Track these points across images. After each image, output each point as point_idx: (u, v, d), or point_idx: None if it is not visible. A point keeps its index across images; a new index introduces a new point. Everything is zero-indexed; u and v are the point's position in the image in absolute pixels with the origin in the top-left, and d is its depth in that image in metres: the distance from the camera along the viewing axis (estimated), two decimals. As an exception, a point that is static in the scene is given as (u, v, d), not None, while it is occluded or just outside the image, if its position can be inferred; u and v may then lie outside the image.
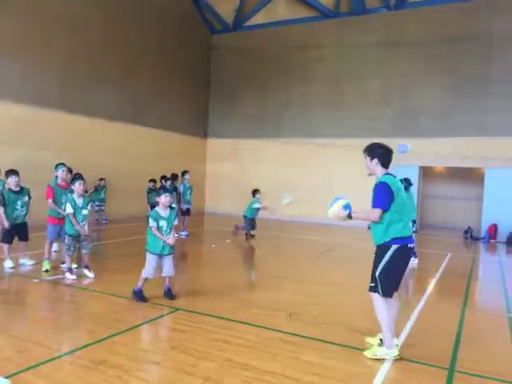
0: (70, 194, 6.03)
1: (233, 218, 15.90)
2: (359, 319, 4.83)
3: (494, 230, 13.05)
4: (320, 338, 4.18)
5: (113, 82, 13.71)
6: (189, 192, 11.00)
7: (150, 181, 13.03)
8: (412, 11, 14.67)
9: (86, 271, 6.06)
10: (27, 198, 6.61)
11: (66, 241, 6.00)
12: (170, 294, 5.26)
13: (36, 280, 5.97)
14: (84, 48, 12.76)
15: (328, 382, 3.29)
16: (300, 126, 16.47)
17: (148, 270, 5.12)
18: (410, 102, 14.67)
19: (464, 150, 13.69)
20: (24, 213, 6.58)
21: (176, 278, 6.91)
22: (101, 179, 12.89)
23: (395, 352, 3.73)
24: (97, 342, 3.87)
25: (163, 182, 11.30)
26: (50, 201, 6.47)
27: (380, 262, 3.71)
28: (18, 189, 6.50)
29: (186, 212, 11.00)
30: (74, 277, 5.98)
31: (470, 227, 13.55)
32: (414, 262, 8.19)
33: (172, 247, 5.21)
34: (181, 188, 10.90)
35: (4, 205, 6.35)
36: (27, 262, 6.63)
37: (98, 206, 12.77)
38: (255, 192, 11.24)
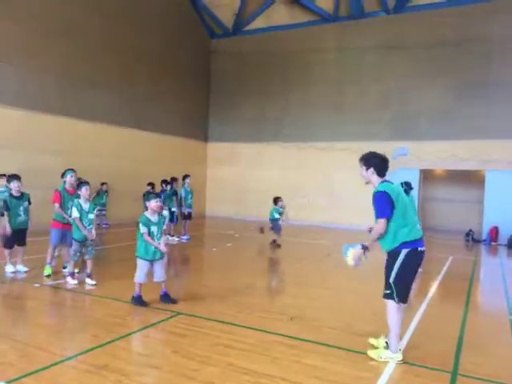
0: (76, 199, 6.07)
1: (233, 221, 15.90)
2: (361, 323, 4.82)
3: (495, 232, 13.03)
4: (322, 341, 4.17)
5: (113, 86, 13.76)
6: (190, 196, 11.02)
7: (148, 184, 13.04)
8: (411, 15, 14.73)
9: (88, 279, 6.05)
10: (27, 203, 6.60)
11: (72, 246, 6.00)
12: (167, 299, 5.26)
13: (37, 285, 5.97)
14: (83, 52, 12.80)
15: (330, 386, 3.29)
16: (300, 129, 16.51)
17: (140, 276, 5.13)
18: (409, 105, 14.71)
19: (464, 152, 13.71)
20: (26, 218, 6.57)
21: (177, 281, 6.91)
22: (102, 183, 12.88)
23: (400, 356, 3.74)
24: (99, 346, 3.87)
25: (164, 186, 11.29)
26: (56, 205, 6.47)
27: (392, 268, 3.71)
28: (18, 194, 6.50)
29: (188, 216, 11.00)
30: (75, 281, 5.99)
31: (471, 230, 13.54)
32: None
33: (163, 252, 5.20)
34: (182, 192, 10.91)
35: (7, 210, 6.34)
36: (22, 269, 6.60)
37: (99, 210, 12.76)
38: (277, 200, 10.88)
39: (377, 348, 3.88)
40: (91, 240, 6.04)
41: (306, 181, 16.20)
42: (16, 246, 6.62)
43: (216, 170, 18.34)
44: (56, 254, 6.71)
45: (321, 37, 16.22)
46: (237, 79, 17.82)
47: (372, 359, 3.76)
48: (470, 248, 12.16)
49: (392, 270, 3.71)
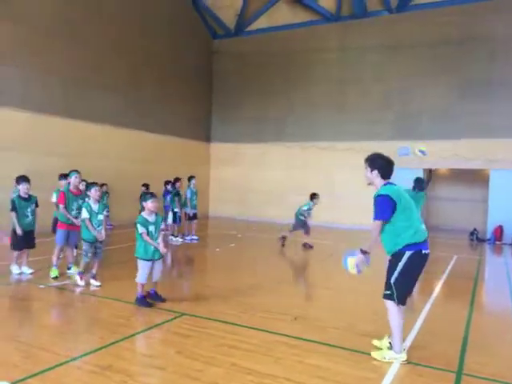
0: (86, 200, 6.12)
1: (236, 222, 15.91)
2: (365, 323, 4.81)
3: (499, 231, 12.96)
4: (325, 341, 4.16)
5: (115, 87, 13.79)
6: (195, 197, 11.04)
7: (143, 185, 13.10)
8: (413, 14, 14.68)
9: (93, 281, 6.07)
10: (34, 205, 6.61)
11: (83, 247, 6.03)
12: (157, 297, 5.28)
13: (42, 286, 5.99)
14: (87, 54, 12.84)
15: (334, 386, 3.28)
16: (302, 129, 16.49)
17: (141, 277, 5.16)
18: (412, 104, 14.65)
19: (468, 151, 13.64)
20: (33, 220, 6.58)
21: (181, 282, 6.93)
22: (102, 185, 12.88)
23: (404, 356, 3.73)
24: (103, 347, 3.88)
25: (167, 186, 11.32)
26: (61, 206, 6.51)
27: (395, 269, 3.69)
28: (26, 196, 6.51)
29: (193, 217, 11.02)
30: (82, 283, 6.00)
31: (475, 229, 13.47)
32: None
33: (163, 253, 5.22)
34: (188, 193, 10.93)
35: (15, 211, 6.35)
36: (27, 271, 6.61)
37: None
38: (314, 196, 10.65)
39: (380, 349, 3.87)
40: (100, 241, 6.06)
41: (309, 180, 16.18)
42: (25, 249, 6.59)
43: (219, 170, 18.36)
44: (61, 255, 6.74)
45: (323, 36, 16.20)
46: (239, 79, 17.83)
47: (376, 360, 3.75)
48: (474, 247, 12.11)
49: (394, 270, 3.69)
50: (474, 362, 3.79)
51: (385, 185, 3.78)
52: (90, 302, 5.48)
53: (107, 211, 13.43)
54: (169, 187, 11.25)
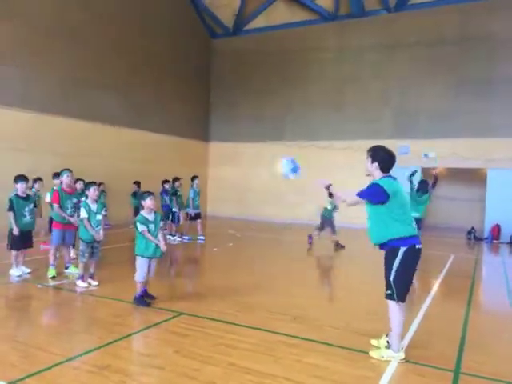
0: (84, 199, 6.08)
1: (235, 221, 15.90)
2: (363, 321, 4.82)
3: (497, 230, 13.01)
4: (324, 340, 4.17)
5: (114, 86, 13.77)
6: (197, 197, 11.03)
7: (134, 183, 13.11)
8: (411, 13, 14.69)
9: (90, 280, 6.04)
10: (33, 205, 6.55)
11: (80, 247, 5.99)
12: (148, 295, 5.27)
13: (40, 285, 5.98)
14: (86, 53, 12.82)
15: (332, 385, 3.28)
16: (300, 128, 16.49)
17: (141, 274, 5.15)
18: (410, 103, 14.68)
19: (466, 150, 13.68)
20: (31, 220, 6.51)
21: (179, 281, 6.92)
22: (99, 184, 12.84)
23: (402, 355, 3.73)
24: (101, 347, 3.87)
25: (165, 185, 11.31)
26: (56, 206, 6.47)
27: (391, 266, 3.68)
28: (24, 195, 6.45)
29: (196, 216, 11.00)
30: (85, 284, 5.93)
31: (473, 228, 13.51)
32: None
33: (163, 251, 5.24)
34: (191, 193, 10.93)
35: (13, 210, 6.29)
36: (25, 271, 6.56)
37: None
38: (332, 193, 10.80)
39: (378, 348, 3.87)
40: (98, 241, 6.04)
41: (308, 179, 16.17)
42: (22, 249, 6.51)
43: (217, 169, 18.35)
44: (57, 255, 6.71)
45: (321, 35, 16.20)
46: (237, 78, 17.82)
47: (374, 359, 3.76)
48: (471, 246, 12.14)
49: (391, 268, 3.68)
50: (472, 361, 3.80)
51: (384, 177, 3.77)
52: (87, 301, 5.47)
53: (105, 210, 13.46)
54: (166, 186, 11.23)
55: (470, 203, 15.57)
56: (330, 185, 4.00)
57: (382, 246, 3.80)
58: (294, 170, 4.49)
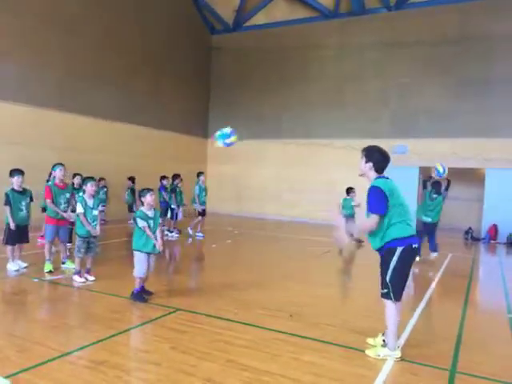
0: (81, 194, 6.05)
1: (233, 218, 15.90)
2: (360, 320, 4.82)
3: (494, 230, 13.04)
4: (321, 338, 4.17)
5: (112, 81, 13.71)
6: (204, 193, 11.02)
7: (129, 178, 13.09)
8: (412, 11, 14.67)
9: (87, 275, 6.02)
10: (29, 199, 6.50)
11: (76, 242, 5.96)
12: (145, 291, 5.27)
13: (36, 280, 5.96)
14: (83, 48, 12.74)
15: (329, 383, 3.29)
16: (300, 126, 16.48)
17: (140, 270, 5.14)
18: (409, 102, 14.67)
19: (464, 150, 13.69)
20: (27, 214, 6.46)
21: (176, 278, 6.92)
22: (100, 179, 12.83)
23: (398, 353, 3.73)
24: (97, 342, 3.86)
25: (163, 182, 11.30)
26: (48, 201, 6.40)
27: (388, 266, 3.67)
28: (20, 189, 6.39)
29: (202, 213, 10.99)
30: (82, 280, 5.91)
31: (470, 228, 13.54)
32: (433, 255, 8.61)
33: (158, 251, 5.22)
34: (196, 189, 10.92)
35: (9, 204, 6.25)
36: (21, 265, 6.53)
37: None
38: (350, 190, 11.00)
39: (374, 347, 3.88)
40: (95, 236, 6.01)
41: (306, 178, 16.20)
42: (18, 244, 6.47)
43: (216, 166, 18.32)
44: (53, 250, 6.68)
45: (321, 33, 16.16)
46: (237, 75, 17.77)
47: (370, 357, 3.76)
48: (469, 246, 12.17)
49: (388, 268, 3.67)
50: (468, 360, 3.81)
51: (378, 178, 3.75)
52: (84, 296, 5.46)
53: (102, 205, 13.47)
54: (165, 182, 11.22)
55: (467, 203, 15.59)
56: (351, 235, 3.96)
57: (379, 249, 3.79)
58: (223, 137, 4.78)
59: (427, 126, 14.31)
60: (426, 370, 3.58)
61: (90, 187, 5.92)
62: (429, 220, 8.69)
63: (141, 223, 5.11)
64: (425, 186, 8.83)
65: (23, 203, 6.37)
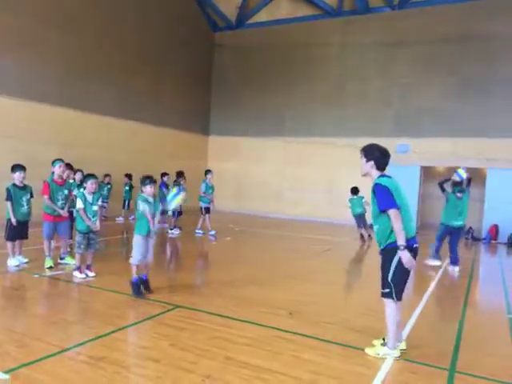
0: (81, 190, 6.05)
1: (234, 215, 15.90)
2: (360, 318, 4.82)
3: (495, 230, 13.02)
4: (320, 336, 4.17)
5: (112, 78, 13.68)
6: (211, 191, 11.02)
7: (126, 175, 13.10)
8: (415, 11, 14.61)
9: (87, 271, 6.02)
10: (30, 195, 6.49)
11: (76, 238, 5.97)
12: (147, 286, 5.29)
13: (36, 275, 5.97)
14: (85, 45, 12.72)
15: (328, 381, 3.29)
16: (302, 124, 16.45)
17: (136, 257, 5.20)
18: (412, 101, 14.64)
19: (466, 150, 13.66)
20: (28, 210, 6.46)
21: (176, 275, 6.92)
22: (105, 176, 12.80)
23: (397, 352, 3.73)
24: (97, 338, 3.87)
25: (163, 178, 11.31)
26: (45, 197, 6.36)
27: (390, 265, 3.65)
28: (22, 185, 6.38)
29: (207, 211, 11.00)
30: (83, 276, 5.91)
31: (471, 228, 13.52)
32: (455, 269, 7.75)
33: (154, 232, 5.34)
34: (202, 187, 10.96)
35: (11, 200, 6.24)
36: (22, 260, 6.53)
37: (102, 201, 12.78)
38: (356, 190, 11.21)
39: (374, 346, 3.87)
40: (95, 232, 6.01)
41: (308, 176, 16.19)
42: (18, 240, 6.47)
43: (217, 164, 18.28)
44: (52, 246, 6.66)
45: (324, 31, 16.11)
46: (239, 73, 17.74)
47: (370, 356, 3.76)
48: (469, 246, 12.16)
49: (390, 267, 3.65)
50: (468, 360, 3.80)
51: (382, 176, 3.74)
52: (84, 292, 5.46)
53: (102, 201, 13.41)
54: (165, 179, 11.23)
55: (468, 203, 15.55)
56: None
57: (382, 250, 3.77)
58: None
59: (429, 125, 14.28)
60: (426, 369, 3.58)
61: (90, 185, 5.92)
62: (460, 224, 8.04)
63: (141, 207, 5.21)
64: (443, 189, 8.20)
65: (24, 199, 6.36)
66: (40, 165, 10.00)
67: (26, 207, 6.40)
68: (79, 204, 5.84)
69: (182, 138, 16.91)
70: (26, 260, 6.58)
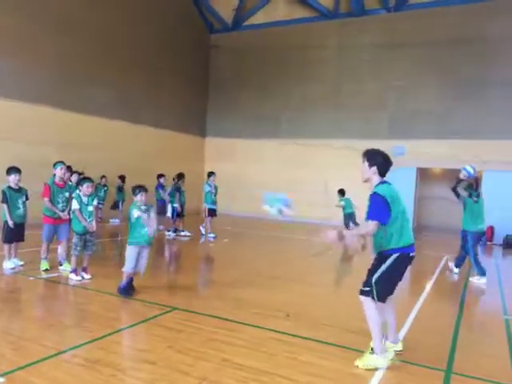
0: (77, 191, 6.03)
1: (231, 217, 15.88)
2: (356, 320, 4.81)
3: (490, 232, 13.07)
4: (317, 338, 4.16)
5: (111, 80, 13.67)
6: (214, 192, 10.99)
7: (119, 177, 13.06)
8: (411, 13, 14.69)
9: (83, 274, 5.99)
10: (25, 198, 6.47)
11: (73, 239, 5.94)
12: (132, 287, 5.28)
13: (32, 278, 5.93)
14: (81, 46, 12.70)
15: (325, 383, 3.28)
16: (298, 126, 16.48)
17: (128, 265, 5.19)
18: (408, 103, 14.71)
19: (462, 152, 13.72)
20: (24, 212, 6.43)
21: (173, 277, 6.90)
22: (102, 177, 12.76)
23: (389, 355, 3.60)
24: (93, 340, 3.85)
25: (160, 180, 11.28)
26: (46, 200, 6.34)
27: (379, 268, 3.59)
28: (17, 187, 6.36)
29: (210, 213, 10.96)
30: (79, 278, 5.89)
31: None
32: (479, 281, 7.06)
33: (150, 239, 5.29)
34: (205, 188, 10.94)
35: (7, 202, 6.21)
36: (17, 263, 6.49)
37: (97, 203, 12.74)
38: (343, 191, 11.65)
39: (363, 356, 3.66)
40: (91, 233, 5.99)
41: (304, 177, 16.20)
42: (14, 242, 6.42)
43: (214, 165, 18.25)
44: (49, 248, 6.61)
45: (321, 33, 16.17)
46: (236, 74, 17.76)
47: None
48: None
49: (377, 269, 3.58)
50: (464, 361, 3.81)
51: (382, 183, 3.68)
52: (80, 294, 5.43)
53: (98, 202, 13.40)
54: (162, 180, 11.20)
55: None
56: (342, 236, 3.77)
57: (377, 253, 3.72)
58: (278, 202, 4.63)
59: (425, 127, 14.34)
60: (422, 371, 3.58)
61: (85, 188, 5.91)
62: (484, 228, 7.56)
63: (136, 213, 5.16)
64: (457, 194, 7.62)
65: (20, 201, 6.35)
66: (36, 167, 9.97)
67: (21, 209, 6.38)
68: (75, 205, 5.84)
69: (178, 140, 16.89)
70: (21, 262, 6.54)
